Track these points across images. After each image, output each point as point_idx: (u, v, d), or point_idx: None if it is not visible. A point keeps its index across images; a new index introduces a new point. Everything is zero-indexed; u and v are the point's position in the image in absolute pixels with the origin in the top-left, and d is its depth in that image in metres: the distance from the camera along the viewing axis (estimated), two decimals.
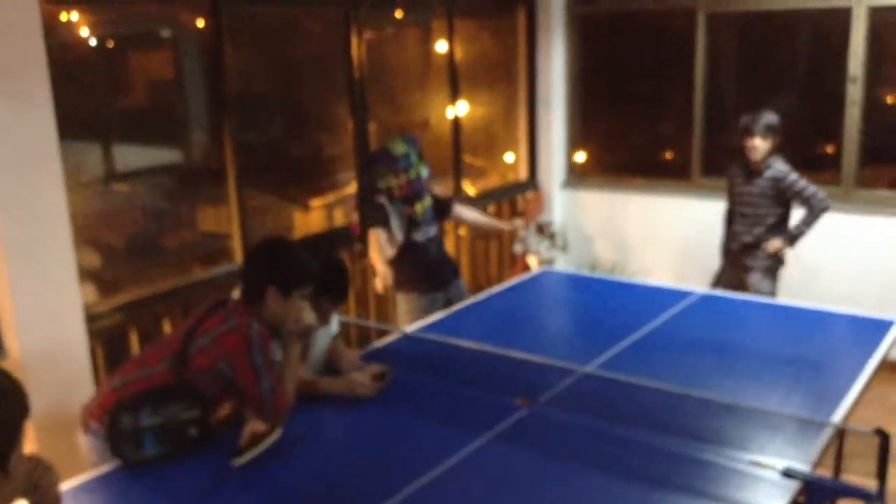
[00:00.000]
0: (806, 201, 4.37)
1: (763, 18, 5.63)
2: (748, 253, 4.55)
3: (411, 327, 3.64)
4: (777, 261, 4.52)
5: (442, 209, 4.19)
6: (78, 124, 3.65)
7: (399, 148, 3.91)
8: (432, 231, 4.11)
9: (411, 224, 4.00)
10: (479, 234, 5.79)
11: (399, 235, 3.99)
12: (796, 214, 4.47)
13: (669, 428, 2.57)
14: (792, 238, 4.44)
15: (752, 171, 4.49)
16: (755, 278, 4.51)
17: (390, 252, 3.96)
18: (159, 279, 4.01)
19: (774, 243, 4.43)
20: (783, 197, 4.44)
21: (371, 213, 4.01)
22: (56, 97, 3.21)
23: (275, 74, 4.84)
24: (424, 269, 4.10)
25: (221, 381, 2.57)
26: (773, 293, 4.51)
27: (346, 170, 5.06)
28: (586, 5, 6.16)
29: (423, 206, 3.99)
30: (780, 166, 4.42)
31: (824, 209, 4.34)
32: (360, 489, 2.32)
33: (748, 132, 4.42)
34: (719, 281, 4.70)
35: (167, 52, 4.44)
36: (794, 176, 4.39)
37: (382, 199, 3.95)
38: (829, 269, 4.51)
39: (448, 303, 4.16)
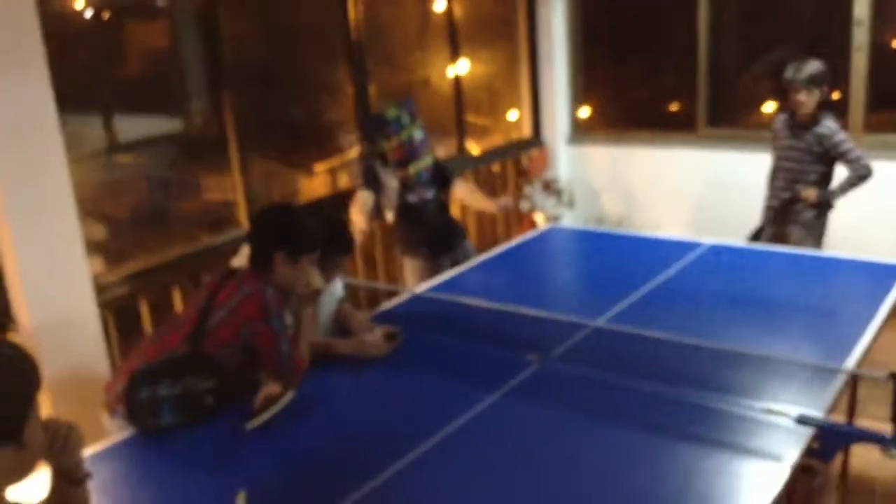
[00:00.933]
0: (849, 164, 4.19)
1: None
2: (789, 208, 4.38)
3: (419, 287, 3.64)
4: (819, 214, 4.34)
5: (442, 178, 4.18)
6: (77, 96, 3.62)
7: (390, 112, 3.96)
8: (429, 193, 4.10)
9: (405, 186, 4.01)
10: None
11: (393, 196, 4.01)
12: (840, 173, 4.29)
13: (682, 379, 2.57)
14: (827, 198, 4.28)
15: (798, 125, 4.29)
16: (797, 234, 4.37)
17: (368, 209, 3.99)
18: (166, 248, 4.01)
19: (809, 191, 4.26)
20: (828, 155, 4.24)
21: (361, 175, 4.10)
22: (53, 70, 3.18)
23: (272, 40, 4.78)
24: (424, 232, 4.11)
25: (245, 351, 2.59)
26: (817, 247, 4.35)
27: (348, 133, 5.03)
28: None
29: (417, 167, 3.99)
30: (829, 123, 4.21)
31: (864, 177, 4.15)
32: (374, 449, 2.33)
33: (792, 85, 4.21)
34: (757, 237, 4.53)
35: (163, 21, 4.38)
36: (841, 136, 4.19)
37: (375, 163, 4.02)
38: (838, 214, 4.47)
39: (455, 266, 4.15)
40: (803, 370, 2.60)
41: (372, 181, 4.02)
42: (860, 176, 4.17)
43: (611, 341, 2.90)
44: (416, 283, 4.14)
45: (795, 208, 4.37)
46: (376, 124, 4.02)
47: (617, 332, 2.92)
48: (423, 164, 4.01)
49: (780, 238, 4.41)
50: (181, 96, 4.34)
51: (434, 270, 4.10)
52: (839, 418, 2.81)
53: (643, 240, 4.36)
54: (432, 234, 4.15)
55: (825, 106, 4.27)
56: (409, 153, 3.95)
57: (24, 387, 1.23)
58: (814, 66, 4.21)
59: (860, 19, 5.04)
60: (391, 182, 4.00)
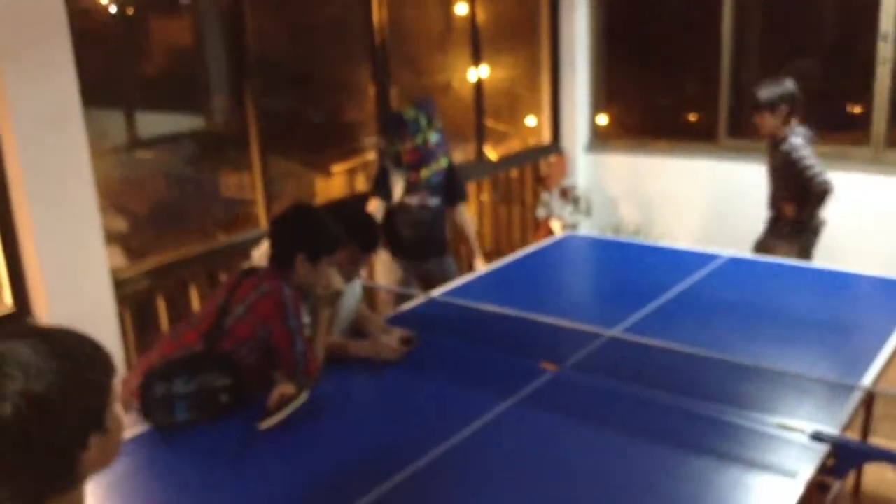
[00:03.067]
0: (807, 182, 4.18)
1: None
2: (773, 223, 4.46)
3: (436, 291, 3.64)
4: (798, 230, 4.34)
5: (452, 193, 4.17)
6: (100, 91, 3.65)
7: (409, 113, 3.94)
8: (433, 200, 4.08)
9: (411, 187, 4.01)
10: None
11: (396, 196, 4.02)
12: None
13: (697, 391, 2.57)
14: (801, 218, 4.30)
15: (774, 143, 4.36)
16: (780, 248, 4.37)
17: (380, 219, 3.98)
18: (185, 245, 4.03)
19: (787, 208, 4.32)
20: (794, 171, 4.25)
21: (375, 180, 4.09)
22: (78, 64, 3.21)
23: (296, 39, 4.81)
24: (402, 233, 4.09)
25: (261, 349, 2.60)
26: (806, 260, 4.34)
27: (367, 135, 5.05)
28: None
29: (429, 171, 3.98)
30: (793, 140, 4.23)
31: (822, 193, 4.15)
32: (386, 453, 2.33)
33: (754, 106, 4.30)
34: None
35: (187, 18, 4.41)
36: (802, 153, 4.20)
37: (389, 165, 4.01)
38: (858, 230, 4.45)
39: (427, 279, 4.14)
40: (819, 386, 2.58)
41: (383, 188, 4.02)
42: (818, 193, 4.17)
43: (626, 351, 2.89)
44: (384, 277, 4.17)
45: (778, 223, 4.42)
46: (394, 124, 3.99)
47: (633, 343, 2.91)
48: (436, 167, 4.00)
49: (766, 251, 4.43)
50: (204, 94, 4.37)
51: (401, 271, 4.13)
52: (853, 436, 2.79)
53: (661, 250, 4.35)
54: (410, 236, 4.12)
55: (802, 123, 4.29)
56: (423, 157, 3.93)
57: (104, 376, 1.26)
58: (769, 90, 4.26)
59: (886, 33, 5.00)
60: (398, 185, 4.00)
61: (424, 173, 3.96)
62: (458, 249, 4.79)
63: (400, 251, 4.13)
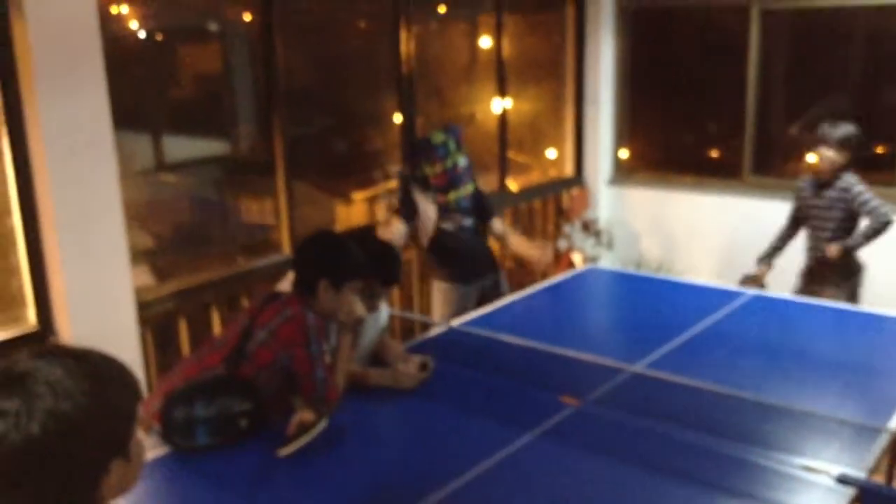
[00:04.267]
0: (869, 214, 4.22)
1: (817, 15, 5.52)
2: (820, 266, 4.39)
3: (457, 321, 3.63)
4: (849, 270, 4.34)
5: (483, 212, 4.18)
6: (129, 115, 3.69)
7: (438, 137, 3.95)
8: (467, 221, 4.09)
9: (442, 212, 4.00)
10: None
11: (430, 226, 4.00)
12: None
13: (719, 430, 2.53)
14: (848, 247, 4.27)
15: (821, 183, 4.35)
16: (829, 291, 4.34)
17: (401, 242, 3.95)
18: (208, 269, 4.05)
19: (831, 248, 4.27)
20: (850, 209, 4.27)
21: (401, 203, 4.07)
22: (110, 88, 3.25)
23: (324, 68, 4.85)
24: (455, 258, 4.09)
25: (282, 375, 2.60)
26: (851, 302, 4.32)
27: (391, 164, 5.07)
28: (636, 0, 6.09)
29: (457, 194, 3.98)
30: (848, 178, 4.27)
31: (885, 223, 4.17)
32: (405, 482, 2.32)
33: (823, 142, 4.29)
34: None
35: (216, 45, 4.47)
36: (860, 188, 4.24)
37: (413, 188, 4.01)
38: (886, 272, 4.40)
39: (482, 296, 4.13)
40: (845, 428, 2.54)
41: (408, 210, 4.03)
42: (882, 222, 4.19)
43: (649, 388, 2.86)
44: (443, 307, 4.14)
45: (826, 266, 4.35)
46: (422, 148, 4.01)
47: (655, 379, 2.88)
48: (464, 191, 4.01)
49: (813, 295, 4.34)
50: (231, 120, 4.41)
51: (462, 296, 4.10)
52: (879, 479, 2.74)
53: (684, 286, 4.32)
54: (463, 259, 4.11)
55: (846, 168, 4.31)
56: (451, 180, 3.94)
57: (132, 401, 1.26)
58: (847, 128, 4.27)
59: None
60: (429, 209, 4.00)
61: (452, 196, 3.96)
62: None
63: (458, 276, 4.12)
